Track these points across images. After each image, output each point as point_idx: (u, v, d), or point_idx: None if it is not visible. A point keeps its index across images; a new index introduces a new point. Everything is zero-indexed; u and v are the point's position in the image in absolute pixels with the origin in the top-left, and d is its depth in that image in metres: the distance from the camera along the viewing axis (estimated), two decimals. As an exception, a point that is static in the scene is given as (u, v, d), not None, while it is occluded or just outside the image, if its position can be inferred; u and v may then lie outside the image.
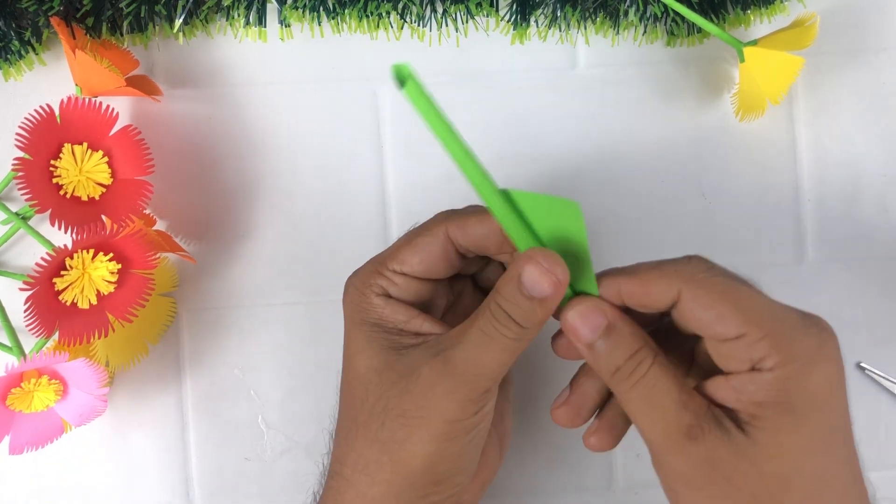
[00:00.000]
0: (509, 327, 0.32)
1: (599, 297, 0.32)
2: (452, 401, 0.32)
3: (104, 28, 0.42)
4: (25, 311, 0.36)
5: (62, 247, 0.36)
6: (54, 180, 0.39)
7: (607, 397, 0.35)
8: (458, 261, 0.35)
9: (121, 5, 0.41)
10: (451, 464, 0.33)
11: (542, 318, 0.32)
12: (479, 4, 0.43)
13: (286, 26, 0.43)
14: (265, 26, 0.43)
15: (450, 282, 0.37)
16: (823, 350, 0.30)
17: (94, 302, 0.37)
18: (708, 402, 0.31)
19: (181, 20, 0.42)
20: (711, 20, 0.44)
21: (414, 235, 0.35)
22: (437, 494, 0.33)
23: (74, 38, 0.41)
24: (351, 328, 0.35)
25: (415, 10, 0.43)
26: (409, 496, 0.33)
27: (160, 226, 0.44)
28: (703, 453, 0.30)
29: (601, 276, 0.32)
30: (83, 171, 0.39)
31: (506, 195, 0.31)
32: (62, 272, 0.37)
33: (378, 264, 0.35)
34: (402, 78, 0.29)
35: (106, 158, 0.40)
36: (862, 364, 0.45)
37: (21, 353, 0.40)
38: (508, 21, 0.44)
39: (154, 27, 0.43)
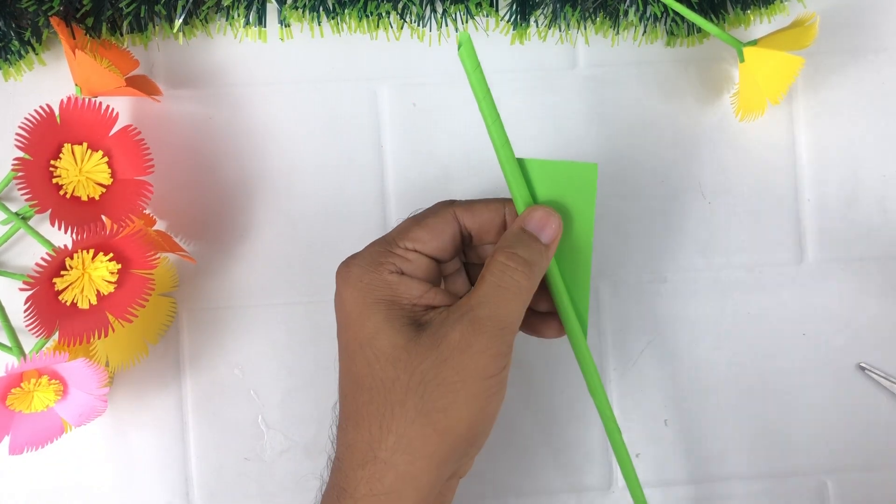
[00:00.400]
0: (520, 269, 0.34)
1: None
2: (486, 357, 0.33)
3: (104, 28, 0.42)
4: (25, 311, 0.36)
5: (62, 247, 0.36)
6: (54, 180, 0.39)
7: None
8: (461, 244, 0.37)
9: (121, 5, 0.41)
10: (487, 423, 0.34)
11: (546, 256, 0.35)
12: (478, 4, 0.43)
13: (286, 26, 0.43)
14: (265, 26, 0.43)
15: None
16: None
17: (94, 302, 0.37)
18: None
19: (181, 20, 0.42)
20: (711, 20, 0.44)
21: (422, 217, 0.36)
22: (467, 457, 0.35)
23: (74, 38, 0.41)
24: (361, 311, 0.35)
25: (415, 10, 0.43)
26: (447, 465, 0.34)
27: (160, 226, 0.44)
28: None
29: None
30: (83, 172, 0.39)
31: (520, 162, 0.36)
32: (62, 272, 0.37)
33: (387, 244, 0.36)
34: (460, 42, 0.34)
35: (106, 158, 0.40)
36: (862, 364, 0.45)
37: (21, 353, 0.40)
38: (508, 21, 0.44)
39: (154, 27, 0.43)
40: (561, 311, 0.37)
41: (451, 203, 0.37)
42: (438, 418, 0.33)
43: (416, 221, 0.36)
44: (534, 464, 0.45)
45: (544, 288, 0.37)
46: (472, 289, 0.35)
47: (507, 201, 0.37)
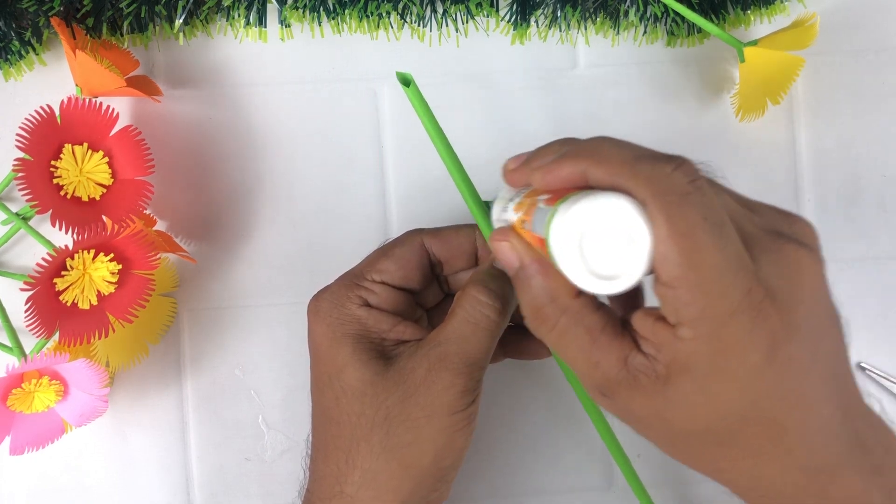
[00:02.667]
0: (493, 304, 0.33)
1: (519, 238, 0.30)
2: (452, 393, 0.33)
3: (104, 28, 0.42)
4: (26, 312, 0.36)
5: (63, 247, 0.36)
6: (55, 181, 0.39)
7: None
8: (431, 274, 0.37)
9: (121, 6, 0.41)
10: (454, 458, 0.34)
11: (516, 295, 0.32)
12: (479, 4, 0.43)
13: (286, 26, 0.43)
14: (265, 26, 0.43)
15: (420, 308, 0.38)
16: (762, 338, 0.26)
17: (95, 302, 0.37)
18: (629, 351, 0.28)
19: (181, 20, 0.42)
20: (711, 20, 0.44)
21: (389, 248, 0.36)
22: (436, 492, 0.34)
23: (75, 38, 0.41)
24: (331, 344, 0.35)
25: (415, 10, 0.43)
26: (414, 499, 0.33)
27: (160, 226, 0.44)
28: (618, 405, 0.29)
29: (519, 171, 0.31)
30: (84, 172, 0.39)
31: (486, 204, 0.35)
32: (63, 272, 0.37)
33: (353, 277, 0.36)
34: (405, 81, 0.33)
35: (106, 159, 0.40)
36: (862, 364, 0.45)
37: (22, 353, 0.40)
38: (508, 21, 0.44)
39: (154, 27, 0.43)
40: None
41: (419, 231, 0.37)
42: (403, 454, 0.33)
43: (383, 252, 0.36)
44: (534, 464, 0.45)
45: None
46: (439, 326, 0.34)
47: (478, 227, 0.36)
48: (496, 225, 0.34)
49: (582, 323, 0.28)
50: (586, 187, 0.27)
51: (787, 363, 0.26)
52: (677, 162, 0.26)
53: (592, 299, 0.29)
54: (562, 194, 0.27)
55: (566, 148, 0.29)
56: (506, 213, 0.32)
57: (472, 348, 0.33)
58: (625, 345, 0.28)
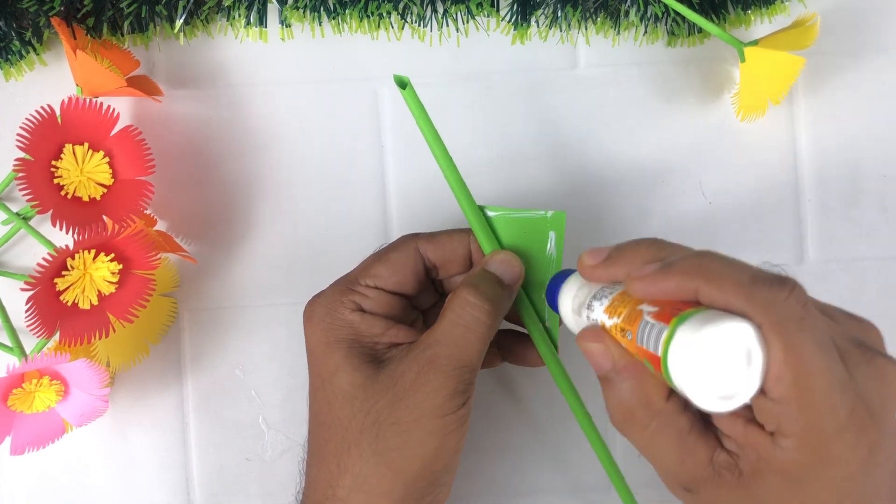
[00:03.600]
0: (483, 306, 0.34)
1: (613, 341, 0.31)
2: (442, 396, 0.33)
3: (105, 28, 0.42)
4: (26, 312, 0.36)
5: (63, 247, 0.36)
6: (55, 181, 0.39)
7: None
8: (426, 278, 0.37)
9: (121, 6, 0.41)
10: (446, 461, 0.34)
11: (506, 298, 0.35)
12: (479, 4, 0.43)
13: (287, 26, 0.43)
14: (266, 26, 0.43)
15: (415, 311, 0.39)
16: (860, 451, 0.27)
17: (95, 302, 0.37)
18: (713, 449, 0.30)
19: (182, 20, 0.42)
20: (712, 20, 0.44)
21: (384, 253, 0.37)
22: (430, 495, 0.34)
23: (75, 38, 0.41)
24: (324, 349, 0.35)
25: (415, 10, 0.43)
26: (407, 503, 0.33)
27: (161, 226, 0.44)
28: (701, 499, 0.30)
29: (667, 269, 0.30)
30: (84, 172, 0.39)
31: (481, 209, 0.37)
32: (63, 272, 0.37)
33: (348, 282, 0.36)
34: (402, 83, 0.34)
35: (107, 159, 0.40)
36: (862, 364, 0.45)
37: (22, 353, 0.40)
38: (509, 21, 0.44)
39: (155, 27, 0.43)
40: (531, 331, 0.37)
41: (414, 236, 0.37)
42: (393, 457, 0.33)
43: (378, 257, 0.36)
44: (534, 464, 0.45)
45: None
46: (430, 328, 0.35)
47: (472, 232, 0.37)
48: (569, 316, 0.34)
49: (673, 425, 0.30)
50: (693, 302, 0.28)
51: (881, 465, 0.28)
52: (790, 286, 0.27)
53: (680, 401, 0.30)
54: (672, 310, 0.28)
55: (662, 253, 0.30)
56: (591, 311, 0.32)
57: (461, 351, 0.34)
58: (710, 444, 0.30)
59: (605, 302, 0.31)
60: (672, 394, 0.30)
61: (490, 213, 0.37)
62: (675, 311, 0.27)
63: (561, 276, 0.35)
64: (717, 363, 0.26)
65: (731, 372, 0.26)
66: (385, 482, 0.33)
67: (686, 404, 0.30)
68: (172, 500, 0.44)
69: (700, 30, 0.44)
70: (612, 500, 0.45)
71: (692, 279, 0.28)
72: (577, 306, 0.33)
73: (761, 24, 0.45)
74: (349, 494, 0.33)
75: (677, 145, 0.45)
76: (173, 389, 0.44)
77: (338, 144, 0.45)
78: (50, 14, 0.41)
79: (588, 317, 0.32)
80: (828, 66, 0.45)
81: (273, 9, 0.43)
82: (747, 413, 0.29)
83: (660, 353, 0.27)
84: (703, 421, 0.30)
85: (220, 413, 0.44)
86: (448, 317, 0.34)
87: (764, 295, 0.27)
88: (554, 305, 0.36)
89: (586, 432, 0.37)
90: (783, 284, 0.27)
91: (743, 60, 0.42)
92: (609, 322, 0.31)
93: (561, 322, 0.36)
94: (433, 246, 0.37)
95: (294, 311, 0.44)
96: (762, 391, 0.27)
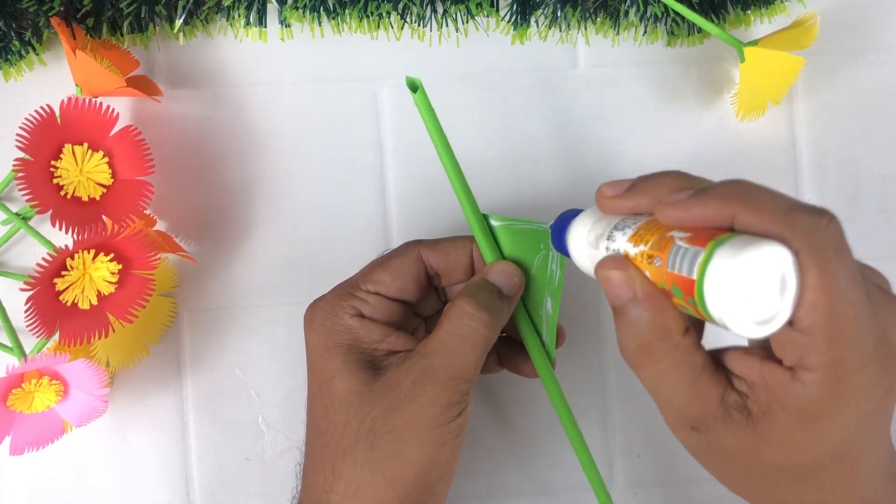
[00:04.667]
0: (481, 316, 0.33)
1: (636, 270, 0.30)
2: (437, 407, 0.33)
3: (104, 28, 0.42)
4: (26, 312, 0.36)
5: (63, 247, 0.36)
6: (55, 181, 0.39)
7: None
8: (428, 286, 0.37)
9: (121, 6, 0.41)
10: (441, 471, 0.34)
11: (505, 310, 0.34)
12: (479, 5, 0.43)
13: (286, 26, 0.43)
14: (265, 26, 0.43)
15: (417, 317, 0.38)
16: (881, 388, 0.27)
17: (95, 302, 0.37)
18: (724, 389, 0.29)
19: (181, 20, 0.42)
20: (711, 20, 0.44)
21: (386, 259, 0.36)
22: (424, 503, 0.34)
23: (75, 38, 0.41)
24: (323, 354, 0.35)
25: (415, 10, 0.43)
26: None
27: (160, 226, 0.44)
28: (705, 441, 0.30)
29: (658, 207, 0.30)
30: (84, 172, 0.39)
31: (485, 217, 0.36)
32: (63, 272, 0.37)
33: (349, 287, 0.36)
34: (414, 86, 0.34)
35: (106, 159, 0.40)
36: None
37: (22, 353, 0.40)
38: (508, 21, 0.44)
39: (154, 27, 0.43)
40: (528, 344, 0.37)
41: (417, 243, 0.37)
42: (387, 465, 0.33)
43: (380, 263, 0.36)
44: (534, 464, 0.45)
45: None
46: (427, 336, 0.34)
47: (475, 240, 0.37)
48: (583, 250, 0.33)
49: (688, 361, 0.29)
50: (727, 228, 0.28)
51: (891, 411, 0.28)
52: (829, 217, 0.27)
53: (696, 338, 0.30)
54: (707, 235, 0.27)
55: (689, 183, 0.29)
56: (612, 241, 0.31)
57: (458, 361, 0.33)
58: (721, 382, 0.29)
59: (629, 231, 0.30)
60: (688, 329, 0.30)
61: (494, 223, 0.36)
62: (711, 235, 0.27)
63: (569, 214, 0.34)
64: (755, 288, 0.26)
65: (766, 297, 0.26)
66: (379, 490, 0.33)
67: (699, 342, 0.30)
68: (172, 500, 0.44)
69: (700, 30, 0.44)
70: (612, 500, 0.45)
71: (729, 205, 0.27)
72: (595, 239, 0.32)
73: (761, 24, 0.45)
74: (343, 500, 0.33)
75: (677, 145, 0.45)
76: (173, 389, 0.44)
77: (338, 144, 0.45)
78: (49, 14, 0.41)
79: (608, 248, 0.31)
80: (828, 66, 0.45)
81: (273, 9, 0.43)
82: (762, 352, 0.29)
83: (695, 275, 0.27)
84: (715, 361, 0.30)
85: (220, 413, 0.44)
86: (445, 326, 0.34)
87: (804, 222, 0.26)
88: (561, 245, 0.34)
89: (577, 450, 0.37)
90: (822, 214, 0.27)
91: (742, 60, 0.42)
92: (634, 250, 0.30)
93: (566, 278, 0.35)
94: (435, 253, 0.36)
95: (294, 311, 0.44)
96: (790, 322, 0.27)
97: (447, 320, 0.34)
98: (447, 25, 0.44)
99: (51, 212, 0.38)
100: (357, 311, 0.35)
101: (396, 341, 0.35)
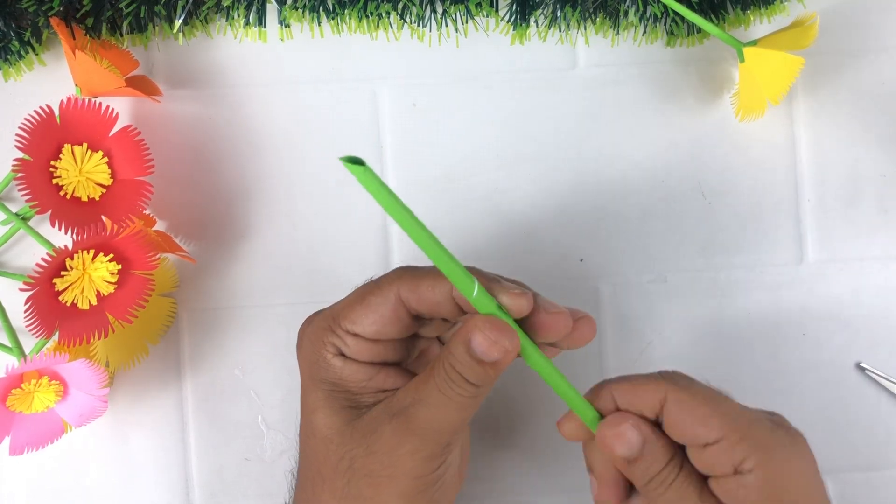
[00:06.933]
0: (463, 387, 0.32)
1: (628, 411, 0.33)
2: (417, 459, 0.32)
3: (104, 28, 0.42)
4: (25, 312, 0.36)
5: (62, 247, 0.36)
6: (54, 181, 0.39)
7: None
8: (413, 322, 0.34)
9: (120, 6, 0.41)
10: None
11: (493, 377, 0.32)
12: (478, 5, 0.43)
13: (286, 27, 0.43)
14: (265, 27, 0.43)
15: (412, 340, 0.36)
16: (796, 447, 0.32)
17: (94, 302, 0.37)
18: None
19: (181, 20, 0.42)
20: (711, 20, 0.43)
21: (366, 292, 0.34)
22: None
23: (74, 38, 0.41)
24: (308, 384, 0.34)
25: (415, 10, 0.43)
26: None
27: (160, 226, 0.44)
28: None
29: (596, 389, 0.34)
30: (83, 172, 0.39)
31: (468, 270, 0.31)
32: (62, 273, 0.37)
33: (331, 320, 0.34)
34: (357, 169, 0.29)
35: (106, 159, 0.40)
36: (862, 364, 0.45)
37: (21, 353, 0.40)
38: (508, 21, 0.44)
39: (154, 27, 0.43)
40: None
41: (399, 276, 0.33)
42: None
43: (360, 297, 0.34)
44: (534, 464, 0.45)
45: None
46: (414, 379, 0.33)
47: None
48: None
49: (693, 476, 0.33)
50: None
51: None
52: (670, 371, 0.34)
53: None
54: None
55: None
56: None
57: (441, 419, 0.32)
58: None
59: None
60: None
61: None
62: None
63: None
64: None
65: None
66: None
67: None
68: (172, 501, 0.44)
69: (699, 30, 0.44)
70: None
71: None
72: None
73: (760, 25, 0.45)
74: None
75: (677, 145, 0.45)
76: (172, 390, 0.44)
77: (337, 144, 0.45)
78: (49, 14, 0.41)
79: None
80: (827, 66, 0.45)
81: (272, 9, 0.43)
82: None
83: None
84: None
85: (220, 413, 0.44)
86: (431, 382, 0.32)
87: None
88: None
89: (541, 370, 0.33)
90: None
91: (742, 60, 0.42)
92: None
93: None
94: (415, 297, 0.33)
95: (293, 312, 0.44)
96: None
97: (436, 374, 0.32)
98: (447, 25, 0.44)
99: (50, 212, 0.38)
100: (338, 350, 0.34)
101: (385, 380, 0.34)
